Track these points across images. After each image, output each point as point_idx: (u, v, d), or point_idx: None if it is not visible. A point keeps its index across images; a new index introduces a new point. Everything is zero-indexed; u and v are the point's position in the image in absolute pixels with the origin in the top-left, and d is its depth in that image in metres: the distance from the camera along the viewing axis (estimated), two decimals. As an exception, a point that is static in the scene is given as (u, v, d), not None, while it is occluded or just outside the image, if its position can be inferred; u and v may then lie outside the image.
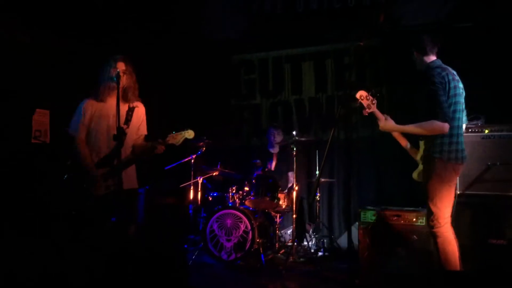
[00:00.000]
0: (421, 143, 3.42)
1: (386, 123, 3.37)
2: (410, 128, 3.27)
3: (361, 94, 3.38)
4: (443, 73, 3.28)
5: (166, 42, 6.42)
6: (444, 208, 3.26)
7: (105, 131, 3.43)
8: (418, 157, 3.47)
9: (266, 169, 5.57)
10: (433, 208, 3.24)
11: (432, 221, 3.24)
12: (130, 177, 3.55)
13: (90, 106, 3.47)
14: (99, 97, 3.46)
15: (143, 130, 3.67)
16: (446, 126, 3.17)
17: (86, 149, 3.43)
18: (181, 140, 3.48)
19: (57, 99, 5.66)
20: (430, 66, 3.38)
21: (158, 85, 6.53)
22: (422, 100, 3.30)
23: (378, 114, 3.41)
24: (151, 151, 3.47)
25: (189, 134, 3.49)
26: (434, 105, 3.18)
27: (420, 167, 3.42)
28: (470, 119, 4.33)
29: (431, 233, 3.27)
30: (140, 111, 3.62)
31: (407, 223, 4.10)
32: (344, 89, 5.88)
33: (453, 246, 3.23)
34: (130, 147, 3.54)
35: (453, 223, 4.10)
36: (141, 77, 3.67)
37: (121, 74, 3.29)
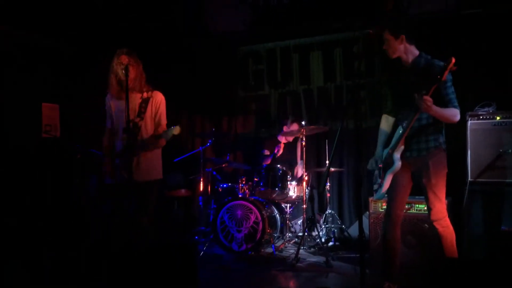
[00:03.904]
0: (405, 134, 3.23)
1: (432, 103, 3.02)
2: (443, 112, 3.09)
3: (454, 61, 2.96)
4: None
5: (172, 36, 6.42)
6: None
7: (120, 126, 3.50)
8: (399, 152, 3.26)
9: (277, 156, 5.56)
10: (442, 199, 3.22)
11: (443, 213, 3.21)
12: (151, 168, 3.58)
13: (109, 101, 3.64)
14: (114, 94, 3.54)
15: (162, 120, 3.65)
16: (459, 116, 3.15)
17: (107, 140, 3.65)
18: (169, 136, 3.45)
19: (65, 94, 5.73)
20: (427, 56, 3.27)
21: (165, 78, 6.55)
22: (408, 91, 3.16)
23: (432, 90, 3.06)
24: (153, 144, 3.54)
25: (176, 130, 3.43)
26: (452, 94, 3.14)
27: (398, 164, 3.25)
28: (481, 106, 4.30)
29: (440, 225, 3.20)
30: (155, 100, 3.62)
31: (418, 212, 4.09)
32: (353, 78, 5.84)
33: (454, 235, 3.23)
34: (146, 141, 3.57)
35: (465, 211, 4.09)
36: (147, 72, 3.68)
37: (128, 67, 3.33)
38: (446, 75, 3.00)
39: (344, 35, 5.90)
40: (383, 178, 3.36)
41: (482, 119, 4.17)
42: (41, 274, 3.43)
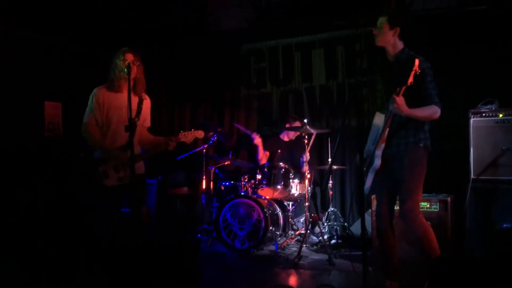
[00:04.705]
0: (385, 131, 3.22)
1: (405, 106, 3.02)
2: (418, 113, 3.07)
3: (419, 62, 3.00)
4: None
5: (173, 35, 6.42)
6: (421, 196, 3.21)
7: (118, 122, 3.48)
8: (380, 150, 3.24)
9: (277, 156, 5.57)
10: (416, 198, 3.15)
11: (413, 211, 3.12)
12: (139, 163, 3.61)
13: (101, 95, 3.53)
14: (113, 88, 3.51)
15: (148, 122, 3.74)
16: (440, 113, 3.10)
17: (95, 131, 3.52)
18: (192, 139, 3.56)
19: (69, 92, 5.75)
20: (410, 52, 3.25)
21: (168, 77, 6.56)
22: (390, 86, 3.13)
23: (403, 91, 3.05)
24: (163, 147, 3.53)
25: (199, 134, 3.63)
26: (433, 89, 3.10)
27: (378, 162, 3.23)
28: (483, 103, 4.28)
29: (412, 224, 3.13)
30: (146, 103, 3.67)
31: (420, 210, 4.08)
32: (355, 76, 5.83)
33: (432, 232, 3.15)
34: (138, 140, 3.61)
35: (467, 208, 4.07)
36: (150, 69, 3.69)
37: (131, 65, 3.32)
38: (425, 70, 3.02)
39: (346, 33, 5.90)
40: (366, 175, 3.35)
41: (485, 116, 4.15)
42: (40, 274, 3.44)
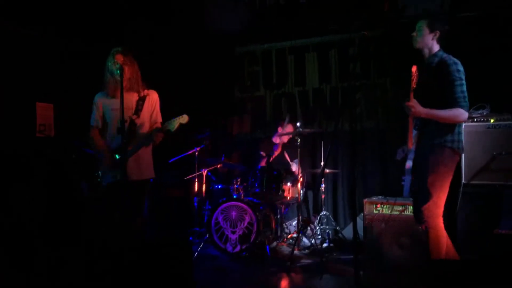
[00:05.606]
0: (410, 134, 3.28)
1: (420, 107, 3.13)
2: (438, 113, 3.12)
3: (416, 68, 3.21)
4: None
5: (168, 36, 6.40)
6: (444, 199, 3.20)
7: (115, 125, 3.49)
8: (412, 153, 3.31)
9: (271, 159, 5.58)
10: (436, 199, 3.15)
11: (430, 211, 3.15)
12: (145, 167, 3.59)
13: (100, 101, 3.62)
14: (110, 93, 3.53)
15: (158, 118, 3.71)
16: (466, 116, 3.15)
17: (98, 137, 3.62)
18: (176, 126, 3.49)
19: (61, 93, 5.70)
20: (443, 54, 3.29)
21: (161, 79, 6.51)
22: (430, 86, 3.19)
23: (412, 96, 3.19)
24: (150, 139, 3.51)
25: (183, 119, 3.51)
26: (460, 93, 3.13)
27: (408, 163, 3.30)
28: (475, 108, 4.31)
29: (427, 224, 3.15)
30: (152, 98, 3.67)
31: (412, 214, 4.09)
32: (349, 80, 5.85)
33: (445, 239, 3.17)
34: (143, 136, 3.58)
35: (459, 213, 4.09)
36: (144, 71, 3.69)
37: (122, 66, 3.32)
38: (453, 73, 3.11)
39: (340, 37, 5.92)
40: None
41: (476, 121, 4.18)
42: (37, 275, 3.41)
